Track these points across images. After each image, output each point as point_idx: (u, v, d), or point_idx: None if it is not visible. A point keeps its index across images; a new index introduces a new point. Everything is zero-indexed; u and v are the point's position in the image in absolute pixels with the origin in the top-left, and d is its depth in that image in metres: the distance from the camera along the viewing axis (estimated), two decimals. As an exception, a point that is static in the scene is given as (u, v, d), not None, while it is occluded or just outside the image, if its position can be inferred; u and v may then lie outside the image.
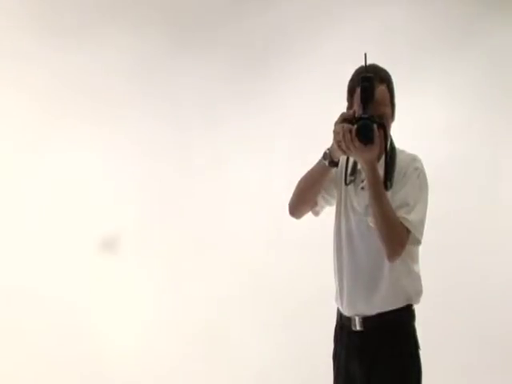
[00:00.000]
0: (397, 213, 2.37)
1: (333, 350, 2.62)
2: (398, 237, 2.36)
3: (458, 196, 4.20)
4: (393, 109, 2.46)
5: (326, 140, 2.33)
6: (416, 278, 2.51)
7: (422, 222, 2.42)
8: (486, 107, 4.37)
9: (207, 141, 4.35)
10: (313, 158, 2.48)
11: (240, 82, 4.36)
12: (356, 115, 2.26)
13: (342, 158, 2.47)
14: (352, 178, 2.49)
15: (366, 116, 2.23)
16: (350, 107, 2.44)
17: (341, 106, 2.48)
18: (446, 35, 4.39)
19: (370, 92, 2.25)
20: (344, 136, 2.25)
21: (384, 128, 2.29)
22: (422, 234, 2.43)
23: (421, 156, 2.50)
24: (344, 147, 2.27)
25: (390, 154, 2.39)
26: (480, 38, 4.37)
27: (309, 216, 2.73)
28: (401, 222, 2.37)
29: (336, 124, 2.30)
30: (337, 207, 2.56)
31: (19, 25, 4.21)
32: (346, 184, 2.50)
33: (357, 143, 2.24)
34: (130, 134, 4.29)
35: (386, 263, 2.41)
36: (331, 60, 4.34)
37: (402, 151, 2.50)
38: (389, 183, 2.37)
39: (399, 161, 2.44)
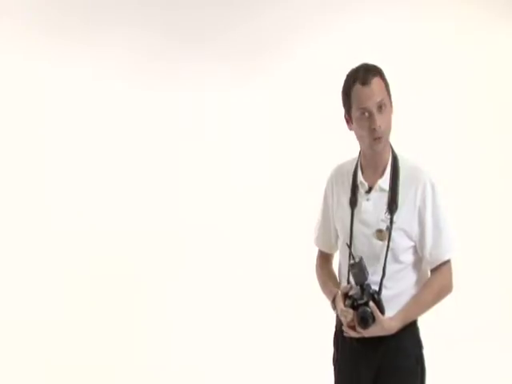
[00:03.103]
0: (433, 255, 2.44)
1: (333, 355, 2.62)
2: (445, 290, 2.50)
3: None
4: (390, 99, 2.47)
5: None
6: (421, 280, 2.50)
7: (454, 241, 2.49)
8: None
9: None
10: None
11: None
12: (356, 302, 2.39)
13: (332, 191, 2.59)
14: (354, 198, 2.50)
15: (362, 302, 2.38)
16: (348, 109, 2.46)
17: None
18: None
19: (362, 274, 2.39)
20: (349, 325, 2.44)
21: (378, 302, 2.40)
22: (457, 247, 2.50)
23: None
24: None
25: (393, 166, 2.45)
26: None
27: (310, 217, 2.73)
28: (439, 282, 2.47)
29: (337, 303, 2.46)
30: (344, 224, 2.54)
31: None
32: (351, 208, 2.50)
33: (360, 329, 2.40)
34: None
35: (393, 277, 2.43)
36: (326, 57, 4.38)
37: (412, 165, 2.49)
38: (394, 206, 2.42)
39: (404, 177, 2.45)
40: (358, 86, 2.39)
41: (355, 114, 2.42)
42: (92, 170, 4.29)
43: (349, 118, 2.47)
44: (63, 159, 4.28)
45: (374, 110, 2.37)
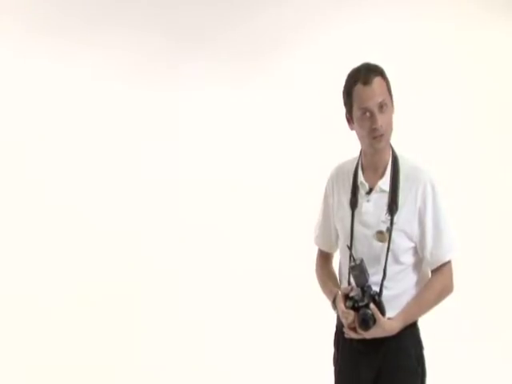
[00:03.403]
0: (433, 256, 2.44)
1: (333, 355, 2.62)
2: (446, 290, 2.49)
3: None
4: (391, 99, 2.46)
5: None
6: (422, 281, 2.50)
7: (455, 241, 2.48)
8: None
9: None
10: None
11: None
12: (357, 304, 2.39)
13: (332, 190, 2.59)
14: (354, 198, 2.50)
15: (363, 303, 2.38)
16: (349, 109, 2.45)
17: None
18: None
19: (363, 276, 2.38)
20: (349, 327, 2.44)
21: (379, 303, 2.40)
22: (458, 248, 2.49)
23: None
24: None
25: (394, 167, 2.45)
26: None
27: (310, 217, 2.72)
28: (440, 283, 2.47)
29: (338, 304, 2.46)
30: (344, 224, 2.53)
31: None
32: (352, 209, 2.50)
33: (361, 331, 2.40)
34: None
35: (393, 278, 2.43)
36: (327, 55, 4.38)
37: (412, 165, 2.49)
38: (394, 207, 2.42)
39: (405, 177, 2.45)
40: (359, 86, 2.39)
41: (356, 113, 2.41)
42: (92, 170, 4.30)
43: (350, 118, 2.47)
44: (63, 159, 4.28)
45: (376, 110, 2.37)
